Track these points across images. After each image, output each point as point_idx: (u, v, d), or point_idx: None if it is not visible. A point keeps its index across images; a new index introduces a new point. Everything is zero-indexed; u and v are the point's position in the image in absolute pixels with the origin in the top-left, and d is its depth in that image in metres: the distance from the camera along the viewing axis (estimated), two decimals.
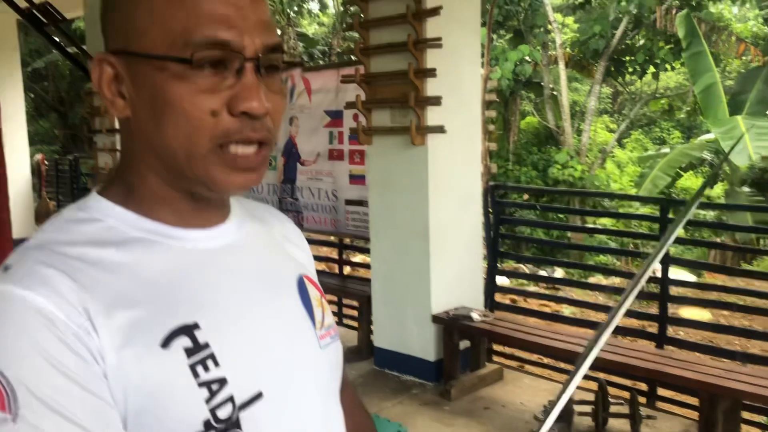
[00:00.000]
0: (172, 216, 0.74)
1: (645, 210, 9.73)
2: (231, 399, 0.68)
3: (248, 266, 0.79)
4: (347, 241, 5.59)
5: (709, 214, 11.36)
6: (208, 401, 0.66)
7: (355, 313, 5.14)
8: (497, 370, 4.23)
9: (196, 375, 0.66)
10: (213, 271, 0.74)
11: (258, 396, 0.71)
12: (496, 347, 4.74)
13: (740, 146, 10.15)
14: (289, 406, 0.75)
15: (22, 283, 0.63)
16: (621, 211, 10.06)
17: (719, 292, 4.52)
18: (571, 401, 3.59)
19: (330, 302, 5.78)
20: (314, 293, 0.85)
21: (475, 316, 4.04)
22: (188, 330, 0.68)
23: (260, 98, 0.68)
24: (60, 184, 9.42)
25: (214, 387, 0.67)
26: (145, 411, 0.64)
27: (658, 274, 4.02)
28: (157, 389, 0.64)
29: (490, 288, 4.77)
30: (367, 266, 4.71)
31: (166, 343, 0.66)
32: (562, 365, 4.64)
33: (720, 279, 7.48)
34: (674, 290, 4.77)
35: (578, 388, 3.92)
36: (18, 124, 8.62)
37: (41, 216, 8.69)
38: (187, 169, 0.70)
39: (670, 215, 4.07)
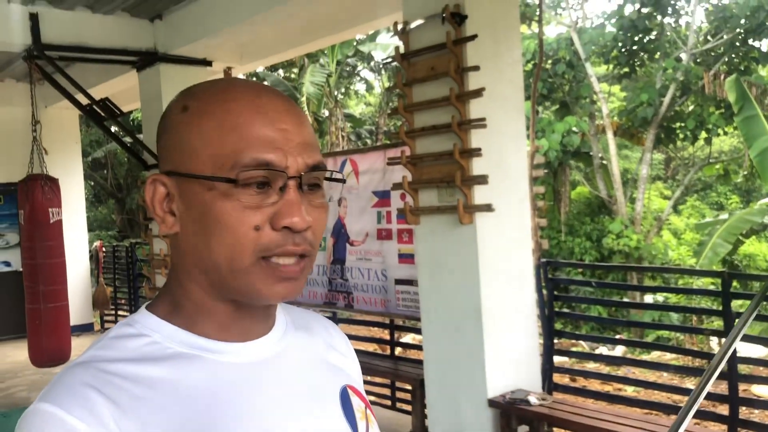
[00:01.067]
0: (215, 329, 0.75)
1: (705, 282, 9.38)
2: None
3: (287, 380, 0.78)
4: (399, 321, 5.52)
5: None
6: None
7: (408, 396, 5.02)
8: None
9: None
10: (249, 386, 0.74)
11: None
12: (557, 431, 4.52)
13: None
14: None
15: (61, 404, 0.65)
16: (681, 283, 9.72)
17: None
18: None
19: (382, 385, 5.70)
20: (358, 404, 0.84)
21: (532, 399, 3.88)
22: None
23: (301, 213, 0.72)
24: (117, 270, 9.69)
25: None
26: None
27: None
28: None
29: (548, 368, 4.60)
30: (418, 347, 4.62)
31: None
32: None
33: None
34: (744, 368, 4.52)
35: None
36: (78, 212, 8.99)
37: (99, 302, 8.90)
38: (231, 281, 0.73)
39: (733, 288, 3.89)
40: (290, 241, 0.72)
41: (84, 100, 5.89)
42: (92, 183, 18.04)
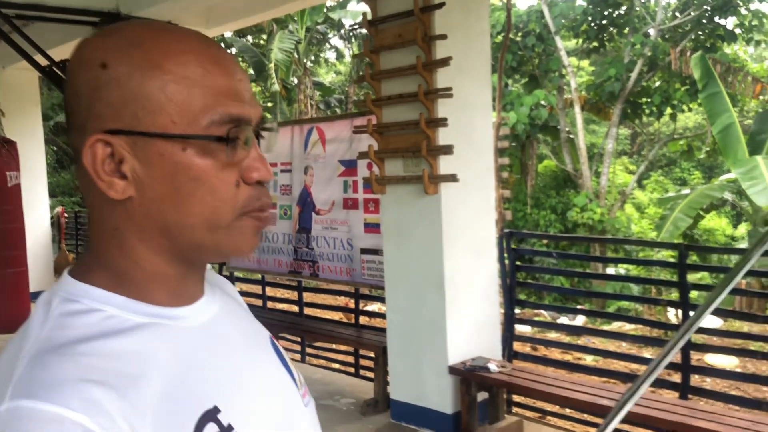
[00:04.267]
0: (168, 295, 0.73)
1: (665, 255, 9.60)
2: None
3: (234, 336, 0.79)
4: (364, 290, 5.55)
5: (734, 259, 11.16)
6: None
7: (371, 363, 5.07)
8: (517, 422, 4.12)
9: None
10: (210, 347, 0.74)
11: None
12: (516, 398, 4.63)
13: (761, 186, 10.03)
14: None
15: (54, 399, 0.59)
16: (642, 255, 9.92)
17: (744, 339, 4.40)
18: None
19: (346, 353, 5.75)
20: (284, 353, 0.86)
21: (492, 366, 3.96)
22: (212, 415, 0.68)
23: (268, 166, 0.72)
24: (80, 236, 9.53)
25: None
26: None
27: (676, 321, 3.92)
28: None
29: (508, 337, 4.68)
30: (383, 316, 4.66)
31: None
32: (586, 417, 4.51)
33: (747, 325, 7.30)
34: (698, 337, 4.66)
35: None
36: (38, 176, 8.78)
37: (60, 268, 8.76)
38: (208, 241, 0.71)
39: (690, 260, 3.99)
40: (263, 195, 0.72)
41: (43, 61, 5.73)
42: (55, 148, 17.63)
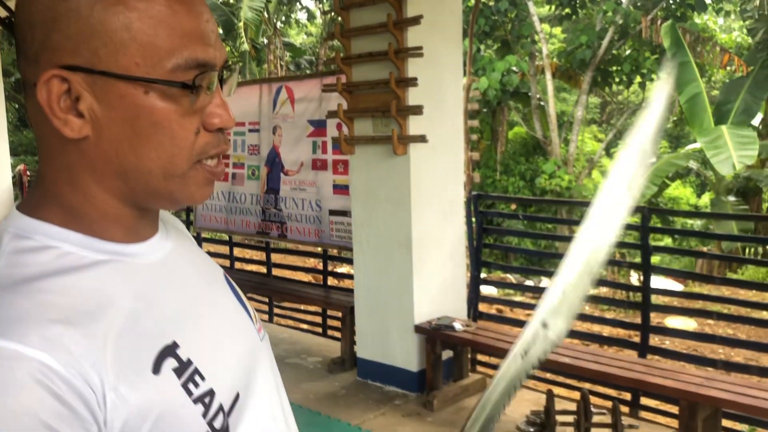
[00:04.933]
0: (122, 233, 0.72)
1: (630, 220, 9.77)
2: (221, 408, 0.70)
3: (190, 273, 0.79)
4: (334, 252, 5.56)
5: (696, 224, 11.41)
6: (204, 415, 0.68)
7: (338, 324, 5.11)
8: (480, 380, 4.20)
9: (189, 393, 0.67)
10: (167, 283, 0.74)
11: (236, 398, 0.73)
12: (480, 357, 4.71)
13: (725, 156, 10.21)
14: (257, 401, 0.77)
15: (13, 336, 0.58)
16: None
17: (704, 301, 4.52)
18: (553, 411, 3.57)
19: (314, 313, 5.77)
20: (239, 289, 0.87)
21: (457, 325, 4.01)
22: (171, 350, 0.68)
23: (230, 112, 0.70)
24: None
25: (207, 401, 0.68)
26: None
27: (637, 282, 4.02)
28: (161, 415, 0.64)
29: (474, 298, 4.75)
30: (352, 277, 4.68)
31: (156, 368, 0.66)
32: (548, 375, 4.61)
33: (706, 288, 7.50)
34: (659, 299, 4.78)
35: (561, 397, 3.90)
36: None
37: None
38: (162, 188, 0.69)
39: (652, 223, 4.07)
40: (222, 142, 0.70)
41: (2, 13, 5.54)
42: (16, 105, 17.16)
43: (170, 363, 0.67)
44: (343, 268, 7.91)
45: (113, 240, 0.71)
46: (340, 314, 4.95)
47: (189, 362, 0.68)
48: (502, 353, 4.04)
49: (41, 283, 0.64)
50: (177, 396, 0.66)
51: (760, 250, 11.29)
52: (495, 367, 4.65)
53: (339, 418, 3.74)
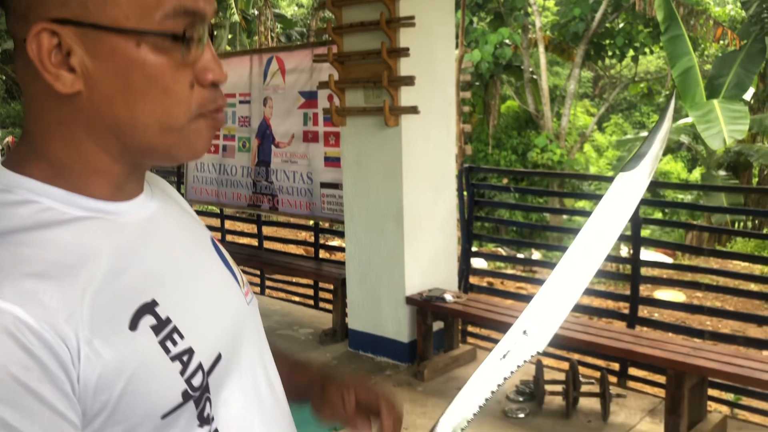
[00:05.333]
0: (109, 190, 0.72)
1: None
2: (200, 366, 0.70)
3: (175, 233, 0.79)
4: (326, 225, 5.56)
5: (687, 198, 11.46)
6: (182, 373, 0.68)
7: (329, 296, 5.13)
8: (470, 350, 4.24)
9: (167, 351, 0.68)
10: (150, 243, 0.74)
11: (218, 358, 0.73)
12: (471, 329, 4.75)
13: (716, 130, 10.23)
14: (237, 364, 0.78)
15: None
16: (598, 193, 10.11)
17: (693, 273, 4.56)
18: (542, 381, 3.61)
19: (305, 285, 5.79)
20: (227, 253, 0.88)
21: (448, 297, 4.04)
22: (149, 308, 0.68)
23: (222, 66, 0.70)
24: None
25: (185, 359, 0.69)
26: (126, 394, 0.64)
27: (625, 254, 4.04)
28: (136, 371, 0.65)
29: (464, 270, 4.77)
30: (344, 250, 4.69)
31: (133, 325, 0.66)
32: None
33: (696, 261, 7.55)
34: (648, 272, 4.81)
35: (549, 368, 3.95)
36: None
37: None
38: (159, 143, 0.69)
39: (642, 196, 4.07)
40: (219, 96, 0.70)
41: None
42: (3, 77, 16.95)
43: (148, 320, 0.67)
44: (334, 242, 7.92)
45: (98, 197, 0.71)
46: (331, 286, 4.97)
47: (168, 320, 0.68)
48: (492, 324, 4.08)
49: (19, 237, 0.64)
50: (154, 353, 0.66)
51: (749, 224, 11.38)
52: (485, 338, 4.70)
53: None
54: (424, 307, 4.04)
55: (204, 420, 0.71)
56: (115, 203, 0.72)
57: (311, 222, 5.71)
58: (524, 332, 0.75)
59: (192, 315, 0.72)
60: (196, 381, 0.69)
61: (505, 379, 0.74)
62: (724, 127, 10.06)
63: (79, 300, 0.62)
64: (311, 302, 5.65)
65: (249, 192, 5.58)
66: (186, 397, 0.68)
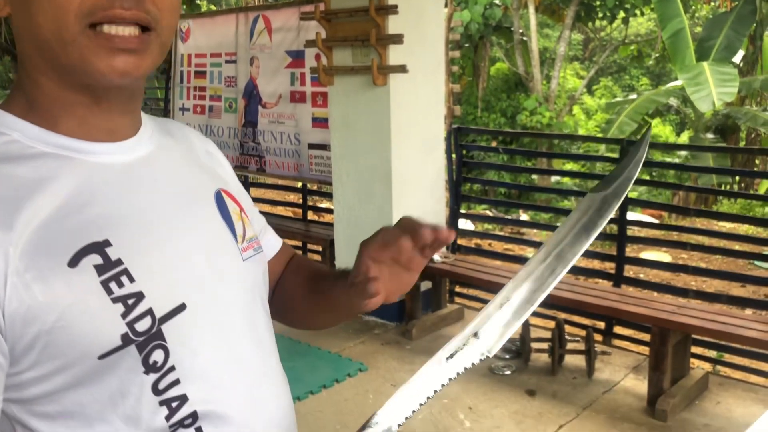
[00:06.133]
0: (78, 127, 0.71)
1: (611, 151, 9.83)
2: (150, 312, 0.68)
3: (163, 181, 0.78)
4: (315, 187, 5.54)
5: (675, 161, 11.49)
6: (124, 316, 0.66)
7: (318, 257, 5.14)
8: (458, 310, 4.27)
9: (109, 292, 0.66)
10: (125, 186, 0.73)
11: (180, 308, 0.71)
12: (459, 289, 4.78)
13: (705, 92, 10.21)
14: (213, 317, 0.76)
15: None
16: (587, 154, 10.12)
17: (679, 233, 4.60)
18: (528, 339, 3.66)
19: (294, 247, 5.78)
20: (233, 207, 0.85)
21: (436, 257, 4.05)
22: (98, 247, 0.67)
23: None
24: None
25: (130, 302, 0.67)
26: (57, 329, 0.64)
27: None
28: (68, 308, 0.64)
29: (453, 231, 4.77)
30: (332, 212, 4.68)
31: (73, 262, 0.65)
32: None
33: (682, 223, 7.61)
34: (635, 232, 4.84)
35: (535, 326, 3.99)
36: None
37: None
38: (63, 58, 0.67)
39: None
40: (117, 5, 0.66)
41: None
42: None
43: (92, 259, 0.66)
44: (323, 204, 7.90)
45: (68, 134, 0.71)
46: (319, 248, 4.97)
47: (118, 262, 0.68)
48: (478, 283, 4.10)
49: None
50: (91, 291, 0.66)
51: (735, 187, 11.45)
52: (472, 298, 4.73)
53: (319, 346, 3.81)
54: None
55: (150, 367, 0.69)
56: (91, 143, 0.71)
57: (299, 184, 5.68)
58: (475, 335, 0.73)
59: (152, 261, 0.71)
60: (141, 326, 0.68)
61: (450, 379, 0.71)
62: (714, 89, 10.04)
63: (17, 232, 0.63)
64: None
65: (236, 153, 5.54)
66: (126, 340, 0.67)
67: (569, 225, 0.78)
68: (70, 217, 0.67)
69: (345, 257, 4.41)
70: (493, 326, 0.73)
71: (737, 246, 4.36)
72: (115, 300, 0.66)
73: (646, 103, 11.87)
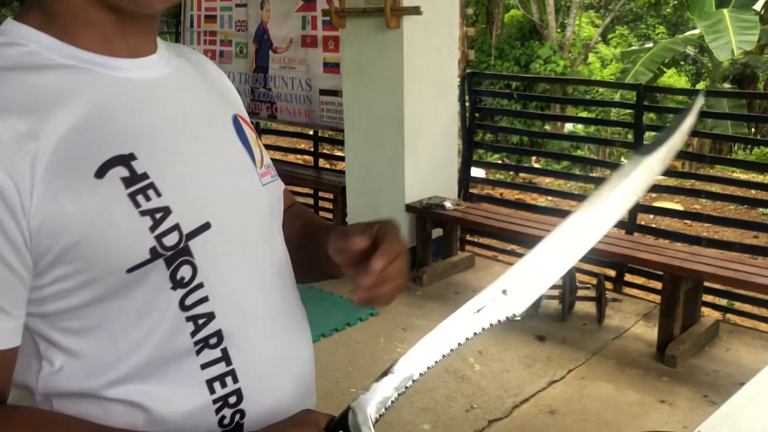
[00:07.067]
0: (99, 43, 0.70)
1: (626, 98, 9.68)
2: (177, 227, 0.68)
3: (181, 101, 0.77)
4: (328, 134, 5.50)
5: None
6: (152, 229, 0.66)
7: (330, 205, 5.14)
8: (469, 257, 4.28)
9: (137, 204, 0.66)
10: (148, 103, 0.72)
11: (206, 226, 0.71)
12: (470, 237, 4.78)
13: (724, 41, 9.98)
14: (236, 238, 0.76)
15: None
16: (602, 99, 9.96)
17: (694, 180, 4.55)
18: None
19: (305, 195, 5.78)
20: (250, 133, 0.84)
21: (447, 204, 4.04)
22: (123, 160, 0.67)
23: None
24: None
25: (158, 216, 0.67)
26: (85, 241, 0.63)
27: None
28: (96, 219, 0.64)
29: (465, 179, 4.75)
30: (343, 159, 4.65)
31: (100, 173, 0.65)
32: None
33: (695, 169, 7.53)
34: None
35: None
36: None
37: None
38: None
39: (646, 102, 4.02)
40: None
41: None
42: None
43: (119, 171, 0.66)
44: (334, 152, 7.87)
45: (88, 48, 0.70)
46: (331, 195, 4.97)
47: (144, 176, 0.67)
48: (490, 230, 4.10)
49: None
50: (119, 203, 0.65)
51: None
52: (483, 246, 4.73)
53: (332, 291, 3.83)
54: (424, 214, 4.05)
55: (178, 283, 0.69)
56: (111, 58, 0.71)
57: (311, 132, 5.64)
58: (504, 291, 0.70)
59: (177, 177, 0.71)
60: (169, 241, 0.68)
61: (475, 333, 0.70)
62: (733, 37, 9.81)
63: (44, 141, 0.62)
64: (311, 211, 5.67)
65: (247, 99, 5.49)
66: (155, 254, 0.67)
67: (608, 189, 0.74)
68: (94, 129, 0.66)
69: (356, 204, 4.41)
70: (522, 286, 0.71)
71: (753, 192, 4.32)
72: (143, 213, 0.66)
73: (663, 52, 11.62)
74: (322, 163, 5.75)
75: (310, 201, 5.82)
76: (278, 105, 5.28)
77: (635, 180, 0.74)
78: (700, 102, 0.87)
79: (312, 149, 5.69)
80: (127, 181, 0.66)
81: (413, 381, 0.68)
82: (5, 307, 0.62)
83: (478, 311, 0.70)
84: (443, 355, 0.69)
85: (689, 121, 0.80)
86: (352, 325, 3.52)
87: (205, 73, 0.86)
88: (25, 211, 0.61)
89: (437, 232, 4.19)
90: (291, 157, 6.47)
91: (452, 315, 0.70)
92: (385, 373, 0.68)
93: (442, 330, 0.70)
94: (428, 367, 0.68)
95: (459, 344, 0.70)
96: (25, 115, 0.63)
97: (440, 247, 4.23)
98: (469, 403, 2.86)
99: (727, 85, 11.69)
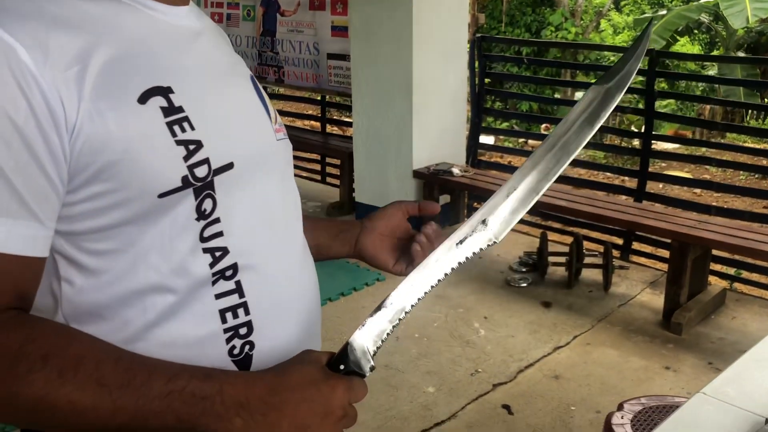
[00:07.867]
0: None
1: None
2: (207, 161, 0.71)
3: (212, 52, 0.82)
4: (336, 99, 5.45)
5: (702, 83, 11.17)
6: (186, 159, 0.70)
7: (337, 171, 5.12)
8: None
9: (173, 134, 0.69)
10: (183, 45, 0.77)
11: (229, 165, 0.74)
12: (477, 204, 4.76)
13: (740, 8, 9.79)
14: (255, 182, 0.79)
15: (10, 29, 0.62)
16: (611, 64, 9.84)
17: (705, 148, 4.51)
18: (546, 252, 3.66)
19: (312, 160, 5.78)
20: (263, 92, 0.89)
21: (455, 171, 4.02)
22: (163, 91, 0.70)
23: None
24: None
25: (191, 147, 0.70)
26: (124, 161, 0.66)
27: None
28: (137, 141, 0.67)
29: (473, 145, 4.72)
30: (351, 125, 4.62)
31: (143, 99, 0.68)
32: (540, 221, 4.70)
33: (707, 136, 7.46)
34: (657, 146, 4.75)
35: (553, 241, 3.98)
36: None
37: None
38: None
39: (658, 68, 3.96)
40: None
41: None
42: None
43: (159, 101, 0.69)
44: (342, 118, 7.82)
45: None
46: (338, 161, 4.95)
47: (180, 109, 0.70)
48: None
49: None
50: (158, 129, 0.69)
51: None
52: None
53: None
54: (431, 180, 4.03)
55: (201, 214, 0.72)
56: (153, 1, 0.75)
57: (318, 97, 5.61)
58: (483, 222, 0.76)
59: (209, 116, 0.74)
60: (200, 172, 0.71)
61: (459, 263, 0.75)
62: (749, 4, 9.62)
63: (91, 62, 0.66)
64: (318, 177, 5.65)
65: (254, 63, 5.45)
66: (186, 183, 0.70)
67: (573, 117, 0.80)
68: (137, 59, 0.70)
69: (364, 169, 4.39)
70: (500, 214, 0.76)
71: (765, 161, 4.27)
72: (178, 143, 0.69)
73: (676, 19, 11.43)
74: (329, 128, 5.72)
75: (318, 167, 5.81)
76: (286, 69, 5.23)
77: (598, 107, 0.79)
78: (651, 28, 0.94)
79: (319, 114, 5.66)
80: (166, 111, 0.69)
81: (406, 313, 0.73)
82: (40, 217, 0.64)
83: (460, 242, 0.75)
84: (432, 286, 0.75)
85: (643, 47, 0.85)
86: (358, 290, 3.54)
87: (223, 38, 0.91)
88: (68, 125, 0.64)
89: (444, 199, 4.17)
90: (299, 123, 6.44)
91: (437, 248, 0.76)
92: (378, 308, 0.73)
93: (428, 263, 0.75)
94: (419, 299, 0.73)
95: (446, 274, 0.75)
96: (74, 35, 0.66)
97: (448, 214, 4.22)
98: (473, 367, 2.88)
99: (741, 54, 11.51)
